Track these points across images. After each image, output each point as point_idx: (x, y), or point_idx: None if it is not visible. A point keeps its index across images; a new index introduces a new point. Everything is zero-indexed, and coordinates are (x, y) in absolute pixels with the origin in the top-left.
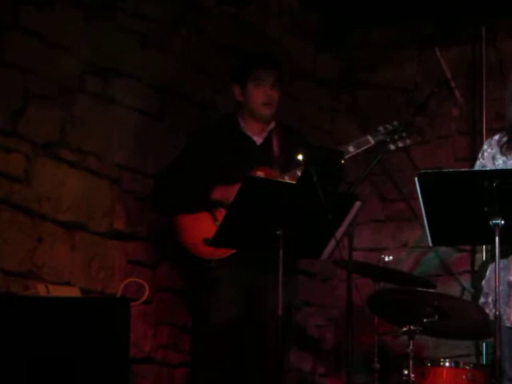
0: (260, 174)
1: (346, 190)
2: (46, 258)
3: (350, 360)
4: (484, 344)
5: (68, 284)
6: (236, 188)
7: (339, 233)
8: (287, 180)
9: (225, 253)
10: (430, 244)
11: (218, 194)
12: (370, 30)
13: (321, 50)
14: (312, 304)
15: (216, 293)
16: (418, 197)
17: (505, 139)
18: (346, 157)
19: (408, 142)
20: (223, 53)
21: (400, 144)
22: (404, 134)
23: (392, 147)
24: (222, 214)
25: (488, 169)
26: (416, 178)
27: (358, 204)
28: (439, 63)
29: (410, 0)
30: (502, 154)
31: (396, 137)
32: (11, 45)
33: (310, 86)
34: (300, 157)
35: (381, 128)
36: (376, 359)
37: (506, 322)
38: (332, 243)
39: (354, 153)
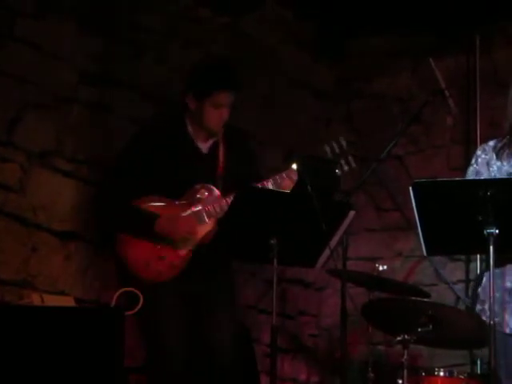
0: (201, 194)
1: (340, 199)
2: (40, 268)
3: (345, 369)
4: (479, 353)
5: (62, 293)
6: (182, 221)
7: (333, 242)
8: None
9: (168, 277)
10: (425, 254)
11: (164, 226)
12: (365, 40)
13: (316, 60)
14: (306, 313)
15: (158, 309)
16: (412, 206)
17: (500, 145)
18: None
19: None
20: None
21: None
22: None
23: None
24: (166, 251)
25: (482, 178)
26: (410, 188)
27: (352, 213)
28: (434, 73)
29: (404, 10)
30: (498, 159)
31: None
32: (7, 55)
33: (305, 96)
34: (294, 166)
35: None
36: (370, 368)
37: (506, 328)
38: (326, 252)
39: None
